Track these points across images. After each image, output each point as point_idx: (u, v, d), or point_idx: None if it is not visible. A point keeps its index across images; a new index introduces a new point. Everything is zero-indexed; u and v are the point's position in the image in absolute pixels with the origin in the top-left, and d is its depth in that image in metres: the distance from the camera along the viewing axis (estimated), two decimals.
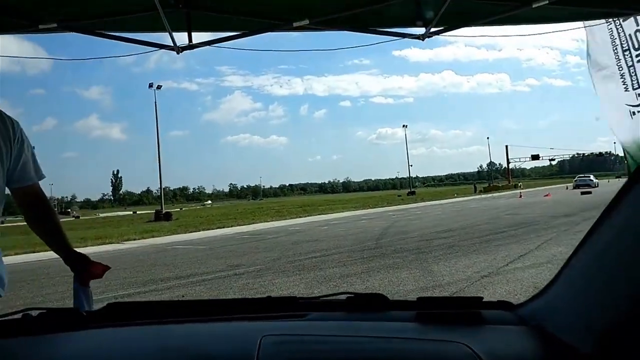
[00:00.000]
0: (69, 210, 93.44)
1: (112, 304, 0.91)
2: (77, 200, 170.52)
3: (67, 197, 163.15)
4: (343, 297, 0.92)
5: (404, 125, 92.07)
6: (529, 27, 3.22)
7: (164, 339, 0.74)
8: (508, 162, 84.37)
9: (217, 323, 0.81)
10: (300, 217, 26.37)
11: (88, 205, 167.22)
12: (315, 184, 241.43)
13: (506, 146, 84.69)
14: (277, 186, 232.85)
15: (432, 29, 2.81)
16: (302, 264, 9.07)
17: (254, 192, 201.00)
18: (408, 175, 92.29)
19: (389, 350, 0.64)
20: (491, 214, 19.79)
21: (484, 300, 0.87)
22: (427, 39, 2.86)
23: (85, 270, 1.66)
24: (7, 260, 1.84)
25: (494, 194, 49.30)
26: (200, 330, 0.77)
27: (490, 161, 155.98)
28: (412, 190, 70.69)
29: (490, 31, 3.36)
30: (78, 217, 63.10)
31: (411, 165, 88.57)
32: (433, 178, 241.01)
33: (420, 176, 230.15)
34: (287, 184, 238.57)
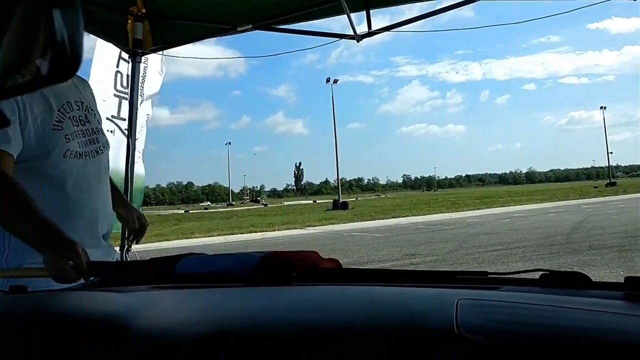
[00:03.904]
0: (259, 198, 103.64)
1: (317, 269, 1.01)
2: (265, 189, 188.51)
3: (256, 186, 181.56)
4: (536, 274, 0.89)
5: (602, 107, 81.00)
6: None
7: (368, 295, 0.80)
8: None
9: (412, 288, 0.86)
10: (478, 209, 25.21)
11: (274, 194, 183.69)
12: (495, 174, 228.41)
13: None
14: (452, 177, 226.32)
15: None
16: (482, 256, 8.70)
17: (428, 183, 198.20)
18: (607, 164, 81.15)
19: (595, 320, 0.61)
20: None
21: None
22: None
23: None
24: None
25: None
26: (399, 292, 0.81)
27: None
28: (612, 181, 62.05)
29: None
30: (266, 204, 69.55)
31: (611, 153, 77.83)
32: None
33: (622, 165, 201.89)
34: (464, 175, 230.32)
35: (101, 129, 1.64)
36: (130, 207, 1.81)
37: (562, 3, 2.86)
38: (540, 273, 0.88)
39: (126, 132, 4.26)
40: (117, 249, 3.21)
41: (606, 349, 0.54)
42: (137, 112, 3.44)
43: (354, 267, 1.09)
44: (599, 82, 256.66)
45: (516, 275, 0.93)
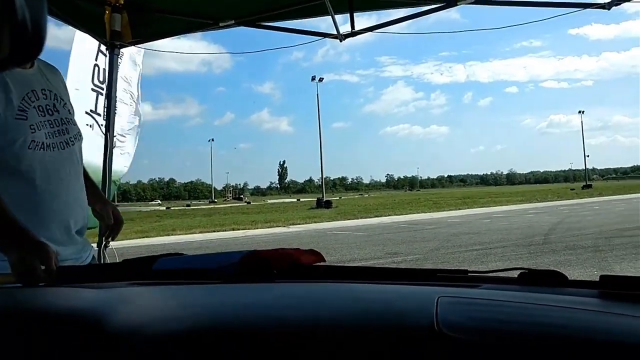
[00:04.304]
0: (242, 196, 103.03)
1: (299, 265, 1.00)
2: (249, 187, 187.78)
3: (240, 184, 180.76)
4: (515, 273, 0.90)
5: (580, 111, 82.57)
6: None
7: (349, 292, 0.80)
8: None
9: (393, 285, 0.85)
10: (459, 209, 25.48)
11: (258, 192, 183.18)
12: (477, 175, 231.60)
13: None
14: (434, 177, 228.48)
15: None
16: (462, 256, 8.79)
17: (411, 183, 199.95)
18: (584, 167, 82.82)
19: (571, 318, 0.61)
20: None
21: None
22: (613, 7, 2.53)
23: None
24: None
25: None
26: (380, 289, 0.81)
27: None
28: (588, 183, 63.29)
29: None
30: (249, 202, 69.16)
31: (588, 156, 79.47)
32: (614, 170, 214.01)
33: (598, 168, 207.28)
34: (446, 175, 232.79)
35: (72, 120, 1.55)
36: (106, 203, 1.74)
37: (544, 9, 2.92)
38: (519, 272, 0.88)
39: (102, 127, 4.19)
40: (95, 245, 3.15)
41: (583, 346, 0.54)
42: (115, 106, 3.38)
43: (336, 264, 1.08)
44: (578, 87, 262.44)
45: (495, 274, 0.94)
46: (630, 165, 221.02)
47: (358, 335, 0.60)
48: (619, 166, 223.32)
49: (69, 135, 1.50)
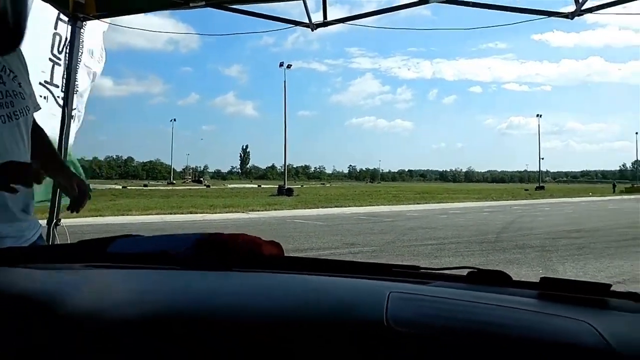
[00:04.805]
0: (202, 179, 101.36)
1: (256, 255, 1.01)
2: (209, 170, 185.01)
3: (200, 166, 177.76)
4: (464, 271, 0.94)
5: (538, 115, 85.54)
6: None
7: (304, 284, 0.81)
8: None
9: (348, 279, 0.88)
10: (418, 203, 25.99)
11: (218, 175, 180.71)
12: (436, 171, 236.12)
13: None
14: (395, 171, 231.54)
15: (585, 6, 2.58)
16: (417, 249, 9.00)
17: (372, 175, 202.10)
18: (538, 169, 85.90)
19: (511, 317, 0.65)
20: (634, 217, 17.76)
21: (612, 289, 0.84)
22: (576, 17, 2.63)
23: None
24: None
25: (639, 196, 43.96)
26: (335, 282, 0.83)
27: (637, 159, 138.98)
28: (541, 185, 65.78)
29: None
30: (209, 186, 68.14)
31: (542, 159, 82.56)
32: (566, 174, 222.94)
33: (551, 171, 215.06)
34: (407, 170, 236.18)
35: (21, 92, 1.48)
36: (70, 175, 1.68)
37: (511, 13, 3.01)
38: (468, 270, 0.92)
39: (59, 99, 4.00)
40: (44, 222, 3.05)
41: (520, 344, 0.58)
42: (75, 81, 3.26)
43: (293, 255, 1.09)
44: (537, 91, 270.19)
45: (446, 271, 0.98)
46: (580, 169, 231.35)
47: (308, 328, 0.62)
48: (570, 170, 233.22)
49: (14, 108, 1.43)
